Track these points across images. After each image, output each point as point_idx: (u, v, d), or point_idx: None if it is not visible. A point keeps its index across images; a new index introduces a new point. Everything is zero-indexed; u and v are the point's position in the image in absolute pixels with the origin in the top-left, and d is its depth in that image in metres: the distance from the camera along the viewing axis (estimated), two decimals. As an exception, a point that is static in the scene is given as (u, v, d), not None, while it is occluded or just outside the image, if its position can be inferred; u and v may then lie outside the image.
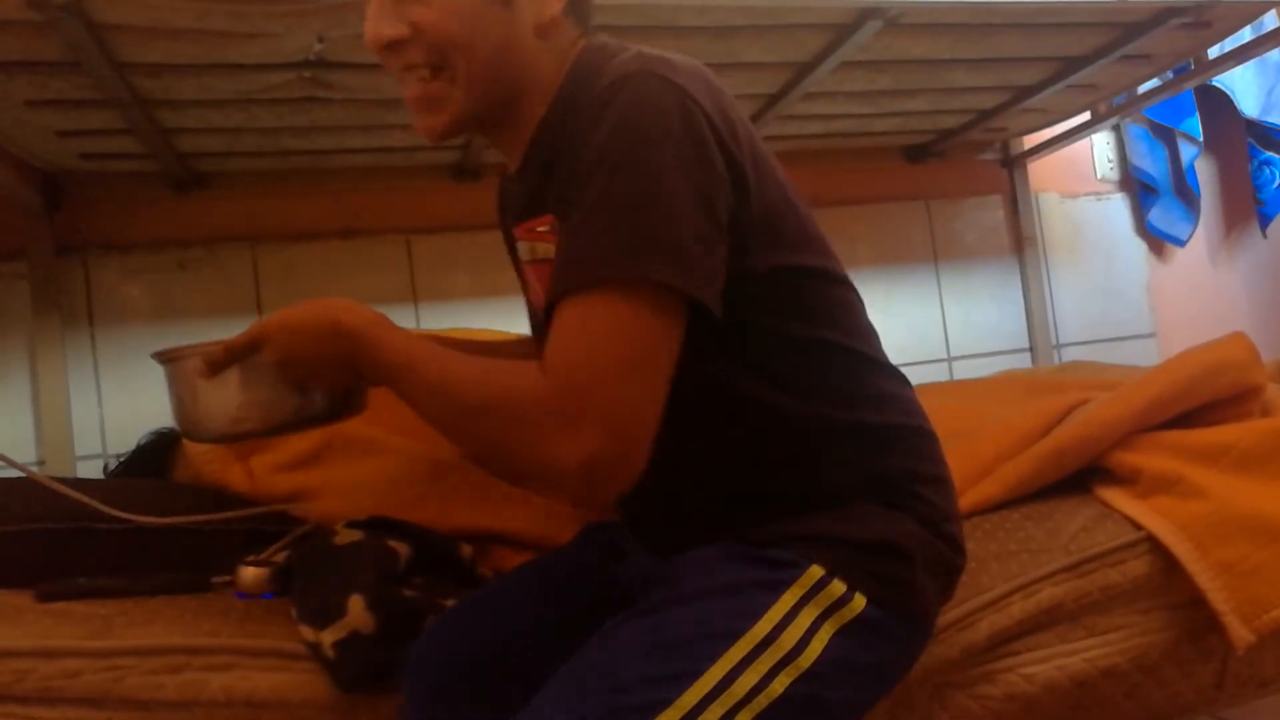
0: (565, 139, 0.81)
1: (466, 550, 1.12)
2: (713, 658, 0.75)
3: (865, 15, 1.46)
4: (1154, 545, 1.07)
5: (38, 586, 1.00)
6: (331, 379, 0.89)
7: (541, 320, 0.89)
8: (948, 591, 0.90)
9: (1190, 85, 2.05)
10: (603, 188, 0.74)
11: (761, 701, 0.75)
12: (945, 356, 2.26)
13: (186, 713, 0.90)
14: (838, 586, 0.80)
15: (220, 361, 0.89)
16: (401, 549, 1.06)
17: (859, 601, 0.80)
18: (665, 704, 0.73)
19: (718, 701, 0.74)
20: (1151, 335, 2.43)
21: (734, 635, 0.77)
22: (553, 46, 0.86)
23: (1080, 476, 1.20)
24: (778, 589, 0.79)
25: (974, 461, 1.22)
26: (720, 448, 0.86)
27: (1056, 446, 1.18)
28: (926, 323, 2.26)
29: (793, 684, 0.77)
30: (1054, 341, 2.34)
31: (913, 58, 1.68)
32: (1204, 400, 1.23)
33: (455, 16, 0.82)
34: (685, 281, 0.73)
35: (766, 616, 0.78)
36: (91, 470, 1.72)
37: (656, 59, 0.79)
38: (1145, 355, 2.38)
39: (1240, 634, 1.01)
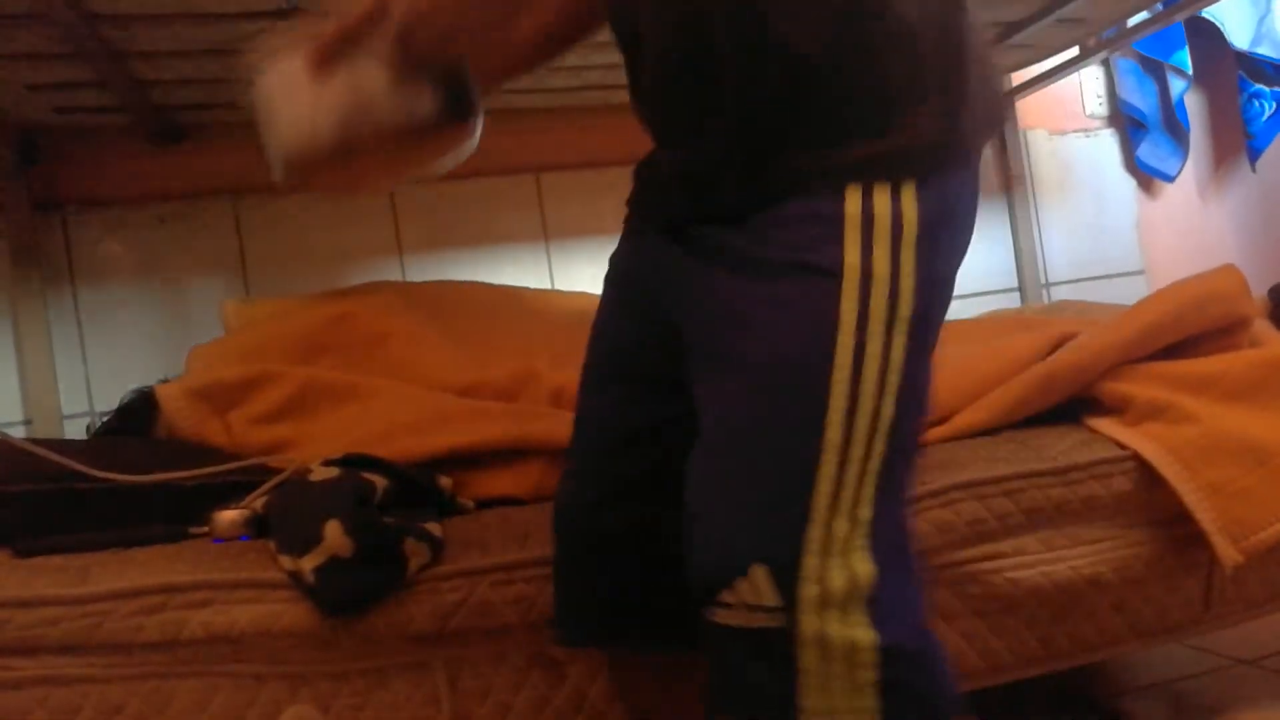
0: None
1: (445, 482, 1.12)
2: (826, 371, 0.68)
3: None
4: (1140, 464, 1.08)
5: (15, 544, 1.00)
6: (471, 30, 0.78)
7: None
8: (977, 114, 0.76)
9: (1180, 17, 2.02)
10: None
11: (894, 378, 0.69)
12: (935, 298, 2.26)
13: (167, 653, 0.91)
14: (881, 199, 0.70)
15: (332, 49, 0.75)
16: (379, 481, 1.05)
17: (910, 206, 0.70)
18: (815, 444, 0.67)
19: (860, 406, 0.68)
20: (1141, 272, 2.42)
21: (829, 333, 0.69)
22: None
23: (1070, 408, 1.20)
24: (836, 257, 0.69)
25: (963, 386, 1.23)
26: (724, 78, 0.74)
27: (1046, 372, 1.18)
28: (915, 265, 2.25)
29: (909, 339, 0.70)
30: (1043, 280, 2.33)
31: (898, -8, 1.65)
32: (1194, 331, 1.23)
33: None
34: None
35: (844, 296, 0.69)
36: (78, 429, 1.71)
37: None
38: (1135, 292, 2.37)
39: (1228, 553, 1.02)
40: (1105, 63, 2.40)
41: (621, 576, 0.90)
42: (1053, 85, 2.26)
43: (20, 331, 1.69)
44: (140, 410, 1.37)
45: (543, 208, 1.99)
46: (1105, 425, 1.13)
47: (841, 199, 0.71)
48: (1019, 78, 2.29)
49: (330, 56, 0.76)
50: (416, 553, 0.94)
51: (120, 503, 1.08)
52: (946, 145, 0.74)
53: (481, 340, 1.36)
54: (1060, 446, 1.10)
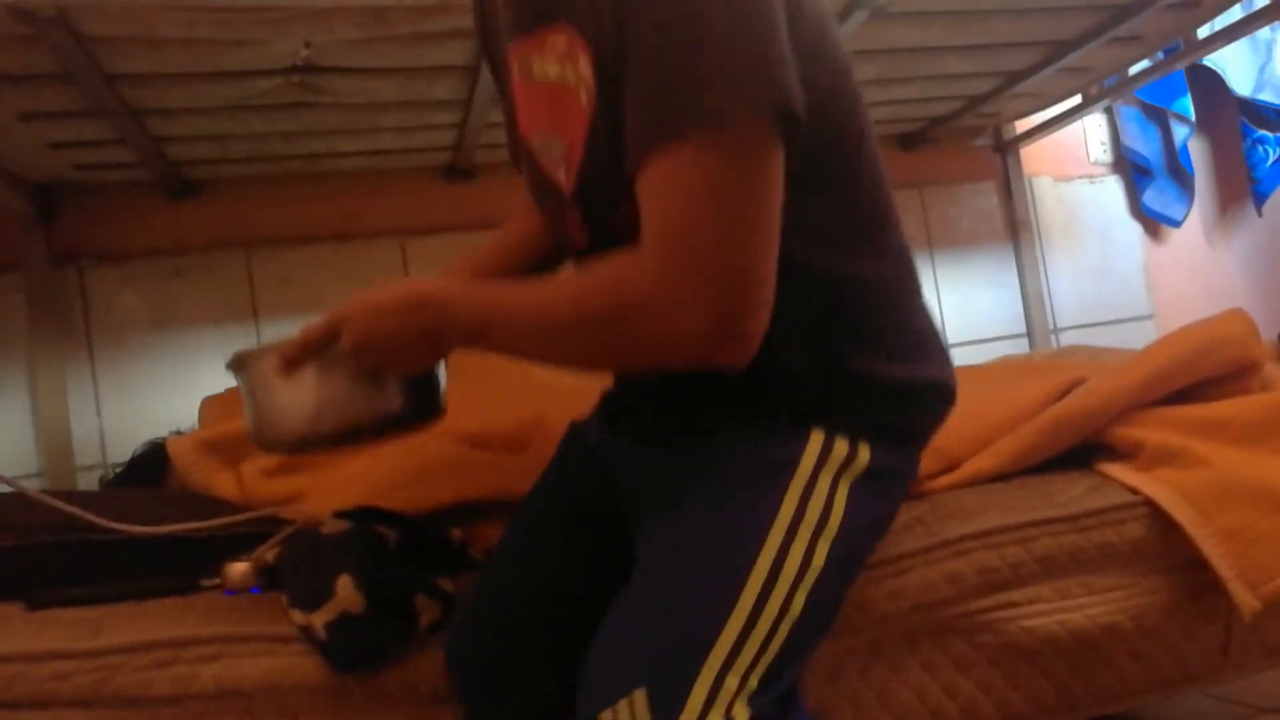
0: None
1: (457, 534, 1.12)
2: (754, 553, 0.76)
3: (851, 6, 1.46)
4: (1152, 510, 1.07)
5: (26, 595, 1.00)
6: (413, 361, 0.83)
7: (524, 152, 0.90)
8: (940, 414, 0.90)
9: (1181, 65, 2.05)
10: (659, 23, 0.67)
11: (810, 577, 0.77)
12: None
13: (178, 707, 0.90)
14: (840, 446, 0.81)
15: (297, 356, 0.83)
16: (390, 534, 1.05)
17: (864, 453, 0.82)
18: (728, 609, 0.74)
19: (774, 592, 0.76)
20: (1149, 317, 2.43)
21: (766, 526, 0.77)
22: None
23: (1080, 453, 1.20)
24: (789, 466, 0.80)
25: (973, 433, 1.23)
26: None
27: (1056, 418, 1.18)
28: (924, 311, 2.26)
29: (831, 549, 0.79)
30: (1051, 326, 2.33)
31: (902, 46, 1.68)
32: (1204, 375, 1.23)
33: None
34: (775, 95, 0.67)
35: (787, 497, 0.79)
36: (92, 480, 1.72)
37: None
38: (1143, 337, 2.38)
39: (1246, 600, 1.01)
40: (1108, 110, 2.43)
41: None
42: (1057, 133, 2.29)
43: (36, 384, 1.70)
44: (152, 462, 1.38)
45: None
46: (1117, 470, 1.12)
47: (807, 433, 0.81)
48: (1022, 125, 2.32)
49: (296, 361, 0.83)
50: (428, 609, 0.94)
51: (132, 554, 1.08)
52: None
53: (490, 388, 1.36)
54: (1072, 492, 1.09)
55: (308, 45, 1.33)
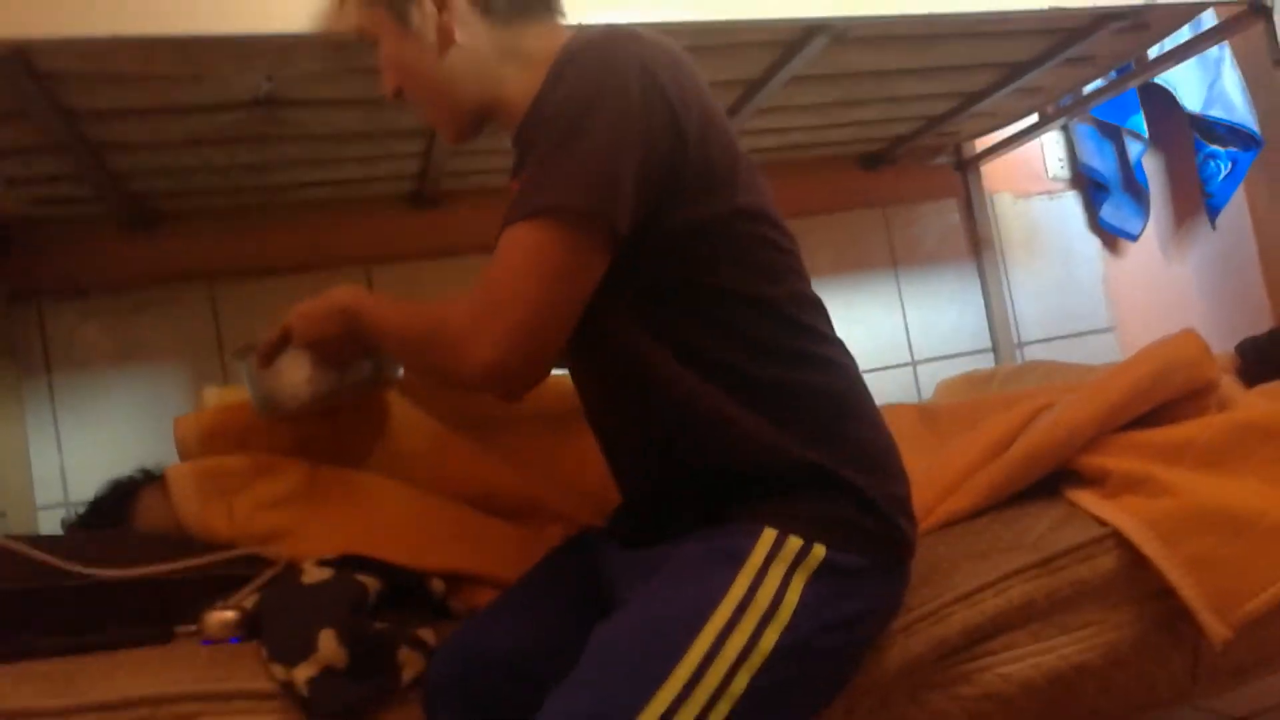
0: (537, 112, 0.93)
1: (438, 585, 1.11)
2: (696, 629, 0.82)
3: (811, 32, 1.48)
4: (1121, 540, 1.08)
5: (-5, 646, 0.98)
6: (349, 351, 1.10)
7: None
8: (909, 533, 0.95)
9: (1133, 85, 2.10)
10: (545, 140, 0.86)
11: (755, 660, 0.82)
12: (909, 361, 2.29)
13: (156, 767, 0.88)
14: (794, 542, 0.87)
15: (267, 353, 1.12)
16: (371, 583, 1.05)
17: (819, 550, 0.87)
18: (659, 681, 0.79)
19: (711, 668, 0.80)
20: (1110, 329, 2.47)
21: (711, 605, 0.83)
22: (489, 45, 0.99)
23: (1048, 480, 1.21)
24: (740, 556, 0.86)
25: (941, 477, 1.24)
26: (661, 432, 0.96)
27: (1026, 453, 1.19)
28: (889, 328, 2.29)
29: (780, 637, 0.83)
30: (1016, 340, 2.37)
31: (862, 70, 1.70)
32: (1162, 400, 1.25)
33: (390, 68, 1.05)
34: (595, 205, 0.84)
35: (736, 582, 0.84)
36: (53, 519, 1.68)
37: (620, 30, 0.90)
38: (1105, 348, 2.42)
39: (1217, 629, 1.02)
40: (1065, 128, 2.48)
41: None
42: (1016, 150, 2.33)
43: (-7, 422, 1.67)
44: (116, 502, 1.36)
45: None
46: (1085, 499, 1.14)
47: (759, 529, 0.88)
48: (983, 144, 2.36)
49: (269, 357, 1.12)
50: (410, 662, 0.94)
51: (104, 600, 1.06)
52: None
53: (504, 456, 1.36)
54: (1040, 528, 1.10)
55: (269, 79, 1.32)
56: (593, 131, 0.84)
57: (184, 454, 1.28)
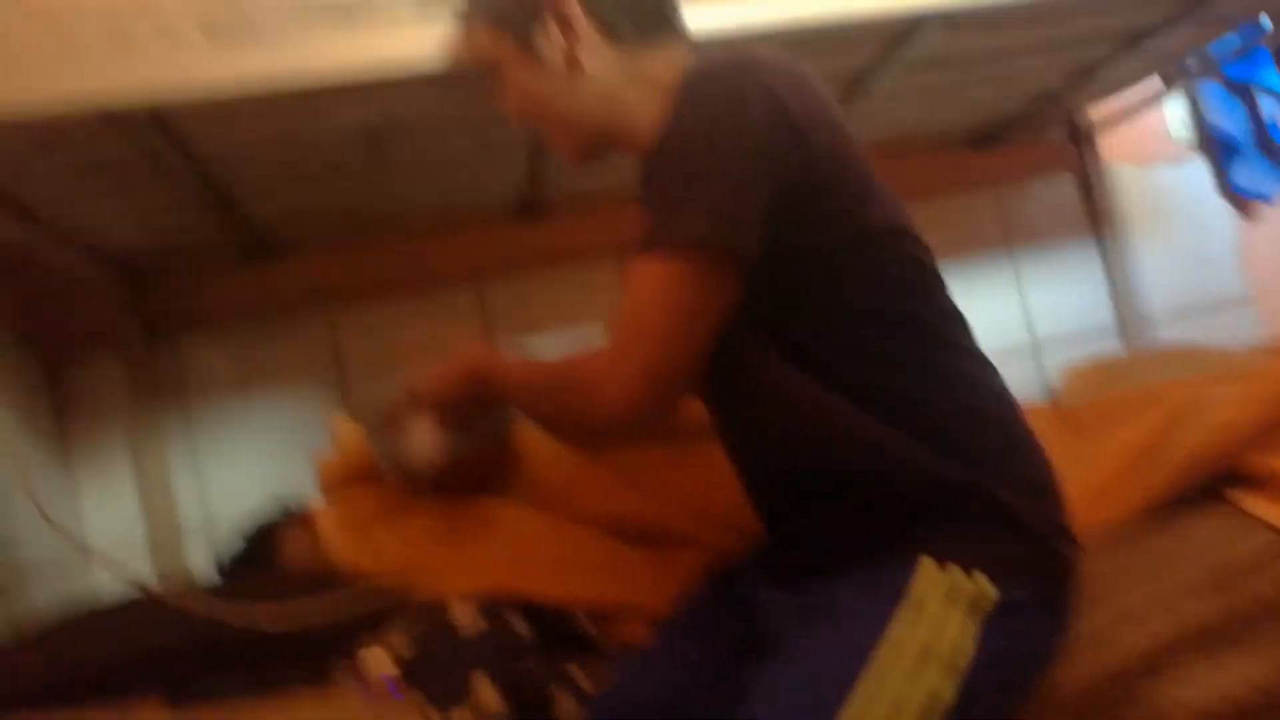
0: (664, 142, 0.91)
1: (587, 622, 1.12)
2: (860, 672, 0.79)
3: (920, 20, 1.42)
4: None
5: (166, 692, 1.02)
6: (473, 412, 1.12)
7: None
8: (1072, 559, 0.92)
9: (1263, 42, 1.96)
10: (673, 171, 0.86)
11: (919, 697, 0.79)
12: (1031, 346, 2.20)
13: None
14: (954, 572, 0.84)
15: (397, 419, 1.15)
16: (521, 624, 1.06)
17: (982, 581, 0.84)
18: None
19: (880, 711, 0.78)
20: (1248, 302, 2.32)
21: (874, 645, 0.81)
22: (615, 71, 0.98)
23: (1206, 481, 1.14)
24: (899, 591, 0.84)
25: (1090, 483, 1.18)
26: (806, 460, 0.94)
27: (1187, 455, 1.13)
28: (1007, 312, 2.20)
29: (947, 680, 0.80)
30: (1143, 318, 2.25)
31: (973, 53, 1.64)
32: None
33: (514, 94, 1.03)
34: (725, 238, 0.83)
35: (898, 619, 0.82)
36: (200, 548, 1.76)
37: (740, 58, 0.88)
38: (1244, 324, 2.28)
39: None
40: (1187, 89, 2.34)
41: None
42: (1134, 117, 2.21)
43: (139, 454, 1.74)
44: (264, 540, 1.40)
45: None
46: (1255, 504, 1.06)
47: (916, 560, 0.86)
48: (1098, 113, 2.24)
49: (398, 421, 1.15)
50: (564, 703, 0.94)
51: (263, 642, 1.09)
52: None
53: (633, 480, 1.36)
54: (1206, 538, 1.04)
55: (382, 113, 1.34)
56: (721, 162, 0.83)
57: (326, 492, 1.31)
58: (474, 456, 1.21)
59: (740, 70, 0.86)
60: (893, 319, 0.90)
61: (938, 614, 0.83)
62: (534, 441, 1.36)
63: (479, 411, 1.13)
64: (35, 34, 1.08)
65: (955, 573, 0.84)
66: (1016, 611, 0.86)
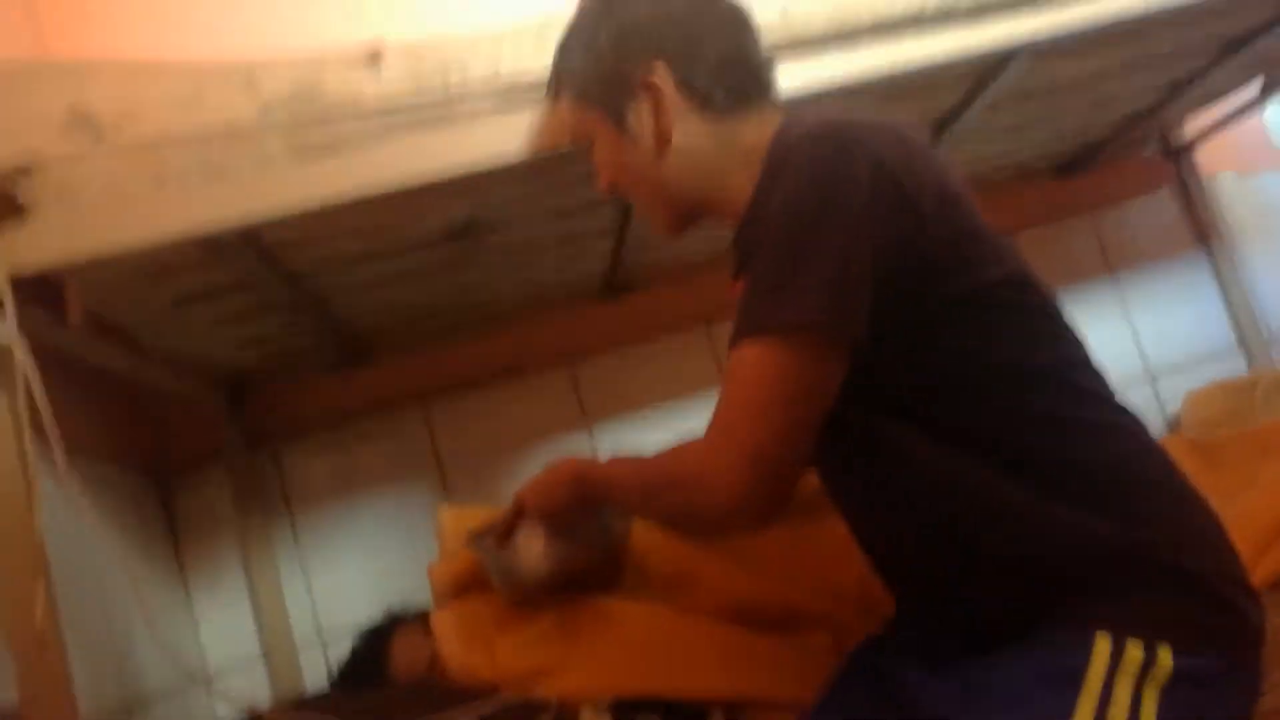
0: (759, 210, 0.88)
1: (718, 717, 1.06)
2: None
3: (1008, 57, 1.37)
4: None
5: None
6: (582, 518, 1.13)
7: None
8: (1254, 617, 0.84)
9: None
10: (772, 246, 0.82)
11: None
12: (1146, 374, 2.08)
13: None
14: (1134, 649, 0.77)
15: (503, 532, 1.16)
16: (658, 726, 1.00)
17: (1165, 655, 0.77)
18: None
19: None
20: (1379, 306, 2.18)
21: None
22: (707, 140, 0.96)
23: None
24: (1077, 676, 0.77)
25: (1251, 527, 1.09)
26: (948, 535, 0.87)
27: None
28: (1116, 342, 2.09)
29: None
30: (1266, 335, 2.12)
31: (1062, 81, 1.57)
32: None
33: (605, 166, 1.02)
34: (832, 319, 0.80)
35: (1080, 709, 0.76)
36: (310, 658, 1.74)
37: (837, 122, 0.85)
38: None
39: None
40: (1286, 90, 2.22)
41: None
42: (1234, 125, 2.10)
43: (250, 567, 1.74)
44: (373, 651, 1.37)
45: (717, 357, 1.95)
46: None
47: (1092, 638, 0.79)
48: (1195, 124, 2.14)
49: (504, 536, 1.16)
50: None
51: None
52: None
53: (754, 557, 1.30)
54: None
55: (470, 210, 1.33)
56: (823, 236, 0.80)
57: (439, 598, 1.28)
58: (585, 563, 1.20)
59: (844, 138, 0.82)
60: (1018, 375, 0.85)
61: (1122, 697, 0.76)
62: (648, 534, 1.31)
63: (585, 517, 1.13)
64: (133, 171, 1.10)
65: (1134, 647, 0.77)
66: (1206, 682, 0.78)
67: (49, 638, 0.95)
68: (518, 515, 1.14)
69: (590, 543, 1.18)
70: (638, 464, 0.97)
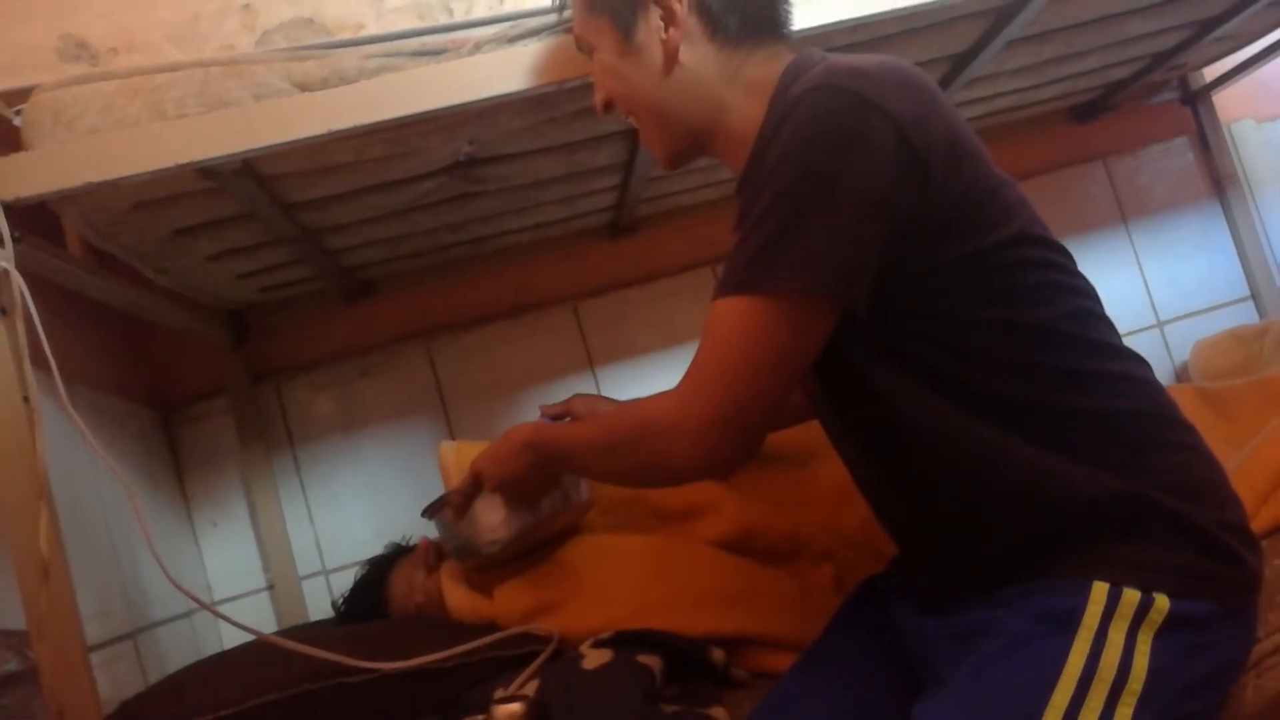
0: (760, 154, 0.85)
1: (718, 654, 1.07)
2: (1038, 713, 0.74)
3: (1027, -3, 1.33)
4: None
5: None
6: (539, 484, 1.10)
7: None
8: (1254, 565, 0.84)
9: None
10: (764, 203, 0.80)
11: None
12: (1155, 322, 2.07)
13: None
14: (1131, 595, 0.78)
15: (460, 504, 1.13)
16: (653, 662, 1.01)
17: (1161, 600, 0.77)
18: None
19: None
20: (1394, 257, 2.15)
21: (1050, 682, 0.75)
22: (713, 68, 0.93)
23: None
24: (1072, 620, 0.77)
25: (1256, 474, 1.09)
26: (951, 490, 0.87)
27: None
28: (1127, 289, 2.07)
29: (1135, 712, 0.74)
30: (1279, 285, 2.10)
31: (1082, 20, 1.53)
32: None
33: (614, 78, 0.97)
34: (826, 284, 0.78)
35: (1073, 651, 0.76)
36: (316, 588, 1.76)
37: (842, 69, 0.81)
38: (1392, 282, 2.11)
39: None
40: (1310, 34, 2.17)
41: None
42: (1254, 71, 2.06)
43: (253, 501, 1.76)
44: (375, 585, 1.39)
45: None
46: None
47: (1088, 585, 0.79)
48: (1215, 70, 2.10)
49: (462, 507, 1.14)
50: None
51: (389, 692, 1.07)
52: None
53: (749, 494, 1.30)
54: None
55: (471, 143, 1.31)
56: (832, 198, 0.77)
57: (447, 481, 1.31)
58: (545, 530, 1.19)
59: (856, 91, 0.78)
60: (1023, 330, 0.84)
61: (1116, 640, 0.76)
62: None
63: (545, 484, 1.11)
64: (129, 100, 1.08)
65: (1130, 593, 0.78)
66: (1200, 627, 0.79)
67: (54, 563, 0.96)
68: (475, 485, 1.12)
69: (551, 510, 1.15)
70: (595, 424, 0.96)
